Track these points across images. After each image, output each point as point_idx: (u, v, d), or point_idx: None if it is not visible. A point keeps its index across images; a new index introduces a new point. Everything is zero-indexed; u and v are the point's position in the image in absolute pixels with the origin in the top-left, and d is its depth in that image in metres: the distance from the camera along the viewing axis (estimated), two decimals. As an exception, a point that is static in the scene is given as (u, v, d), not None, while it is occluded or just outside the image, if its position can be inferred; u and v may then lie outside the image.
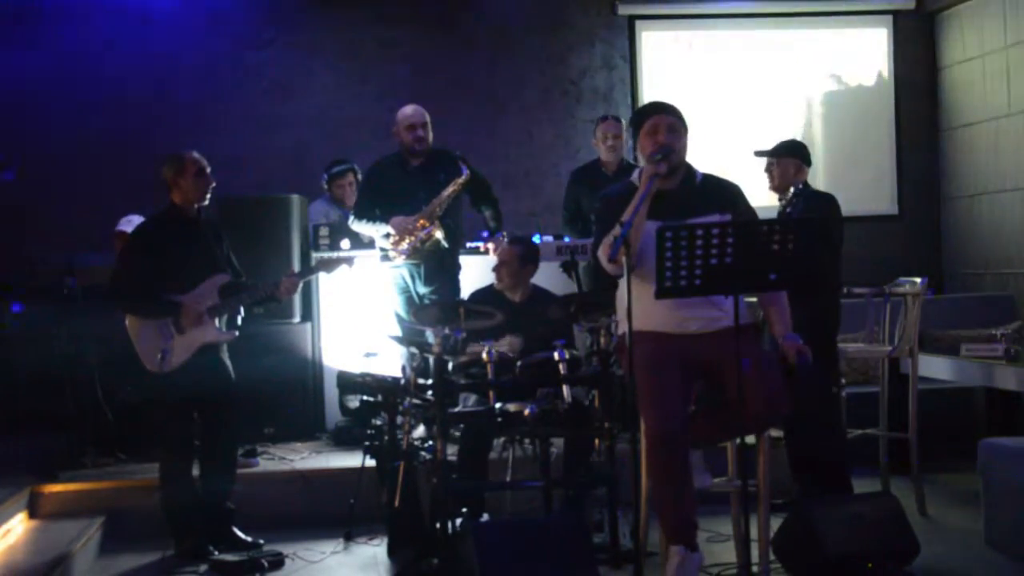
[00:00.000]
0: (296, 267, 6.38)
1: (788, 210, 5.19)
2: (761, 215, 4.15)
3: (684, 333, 3.91)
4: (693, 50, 8.62)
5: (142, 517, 5.06)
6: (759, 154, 5.38)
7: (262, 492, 5.31)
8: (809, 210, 5.09)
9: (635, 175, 4.05)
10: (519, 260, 5.31)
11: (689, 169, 4.07)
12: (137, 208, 6.26)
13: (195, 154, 4.88)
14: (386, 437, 4.87)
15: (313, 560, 4.78)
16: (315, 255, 6.38)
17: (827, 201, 5.25)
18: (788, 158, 5.25)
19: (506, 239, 5.75)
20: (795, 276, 3.70)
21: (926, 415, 5.38)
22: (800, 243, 3.59)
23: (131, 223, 6.31)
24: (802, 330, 4.02)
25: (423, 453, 4.75)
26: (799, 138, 8.30)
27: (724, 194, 4.08)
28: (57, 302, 5.80)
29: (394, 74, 8.06)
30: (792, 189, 5.21)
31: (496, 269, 5.38)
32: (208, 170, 4.87)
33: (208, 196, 4.89)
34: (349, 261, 5.20)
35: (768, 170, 5.34)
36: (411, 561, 4.47)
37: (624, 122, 6.42)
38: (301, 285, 5.23)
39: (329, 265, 5.21)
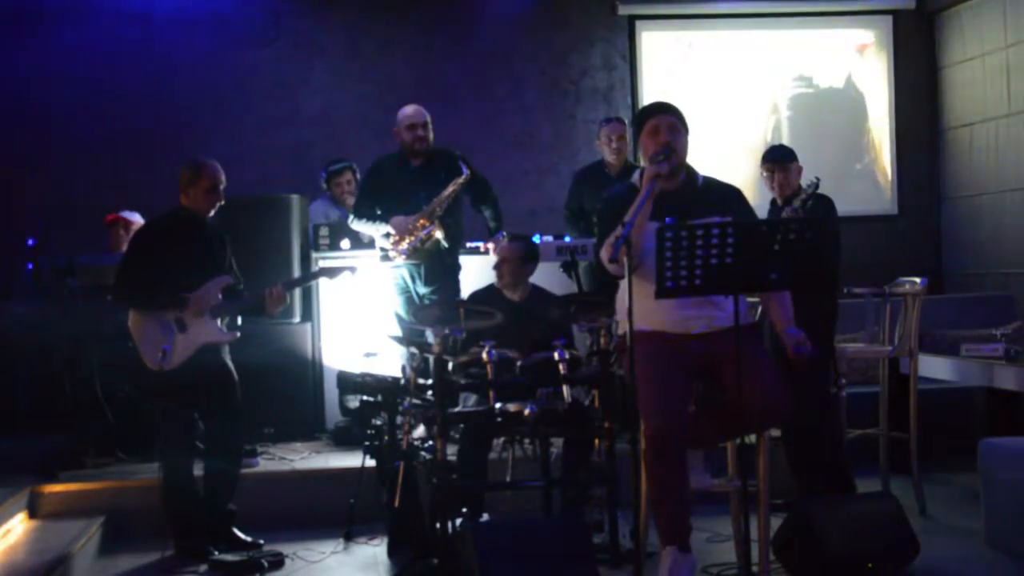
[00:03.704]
0: (296, 268, 6.39)
1: (800, 213, 5.10)
2: (761, 217, 4.15)
3: (686, 333, 3.92)
4: (693, 50, 8.62)
5: (142, 517, 5.06)
6: (766, 164, 5.26)
7: (262, 492, 5.31)
8: (818, 212, 5.05)
9: (636, 176, 4.06)
10: (520, 258, 5.32)
11: (690, 171, 4.08)
12: (136, 208, 6.29)
13: (214, 168, 4.86)
14: (386, 437, 4.87)
15: (313, 560, 4.78)
16: (316, 256, 6.39)
17: (830, 203, 5.23)
18: (793, 163, 5.20)
19: (506, 239, 5.76)
20: (795, 276, 3.70)
21: (926, 415, 5.38)
22: (801, 243, 3.60)
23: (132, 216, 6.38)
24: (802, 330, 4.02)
25: (423, 453, 4.75)
26: (799, 138, 8.39)
27: (725, 196, 4.09)
28: (57, 302, 5.79)
29: (394, 74, 8.07)
30: (803, 193, 5.11)
31: (497, 267, 5.38)
32: (222, 187, 4.86)
33: (213, 212, 4.90)
34: (352, 269, 5.19)
35: (773, 178, 5.22)
36: (411, 561, 4.47)
37: (628, 123, 6.42)
38: (289, 297, 5.21)
39: (332, 272, 5.20)
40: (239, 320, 5.02)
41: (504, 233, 5.96)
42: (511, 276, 5.31)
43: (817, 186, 5.10)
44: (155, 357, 4.70)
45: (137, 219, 6.35)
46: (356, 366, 5.28)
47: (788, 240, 3.59)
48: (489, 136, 8.09)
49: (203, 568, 4.65)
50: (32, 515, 5.22)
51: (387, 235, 5.82)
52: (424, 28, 8.27)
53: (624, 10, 8.48)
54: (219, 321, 4.87)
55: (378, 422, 5.02)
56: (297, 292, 6.25)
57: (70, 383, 5.73)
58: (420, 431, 5.23)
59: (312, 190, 7.09)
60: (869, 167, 8.77)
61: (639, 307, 3.74)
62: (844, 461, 5.10)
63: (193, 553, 4.73)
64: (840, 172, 8.60)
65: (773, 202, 5.27)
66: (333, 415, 6.22)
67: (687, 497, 3.84)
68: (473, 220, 6.23)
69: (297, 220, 6.50)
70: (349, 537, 5.03)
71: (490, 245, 6.04)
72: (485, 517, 4.68)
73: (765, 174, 5.25)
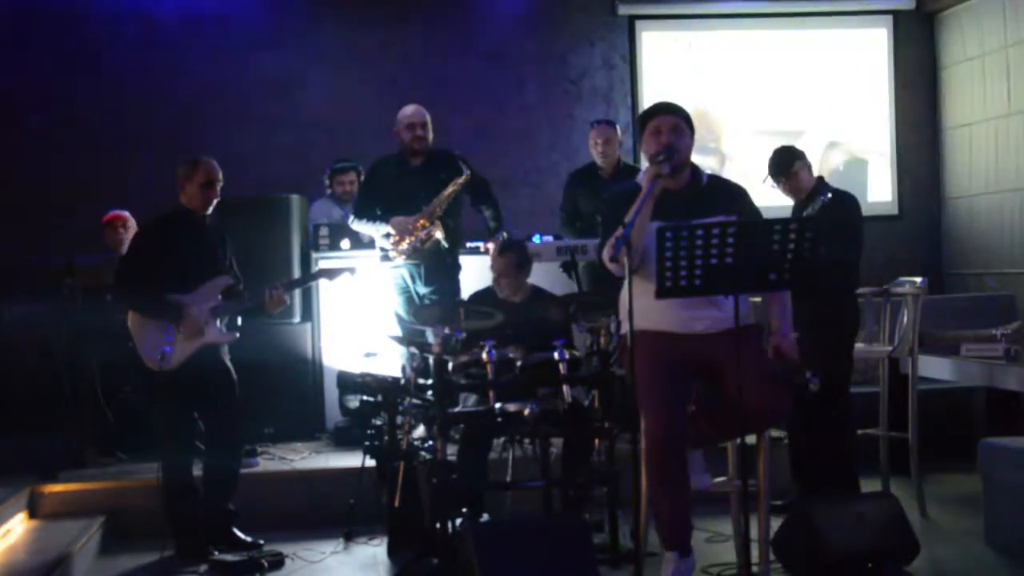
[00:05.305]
0: (296, 268, 6.39)
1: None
2: (767, 215, 4.14)
3: (689, 333, 3.91)
4: (693, 50, 8.62)
5: (142, 517, 5.06)
6: (772, 177, 5.17)
7: (262, 492, 5.31)
8: (843, 211, 5.01)
9: (640, 176, 4.05)
10: (514, 267, 5.26)
11: (695, 170, 4.07)
12: (137, 208, 6.28)
13: (210, 164, 4.85)
14: (386, 437, 4.87)
15: (313, 560, 4.78)
16: (316, 256, 6.39)
17: (852, 201, 5.15)
18: (795, 165, 5.14)
19: (506, 237, 5.75)
20: (795, 276, 3.69)
21: (926, 415, 5.38)
22: (801, 243, 3.59)
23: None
24: (812, 329, 3.99)
25: (423, 453, 4.75)
26: (798, 138, 8.38)
27: (730, 195, 4.08)
28: (57, 302, 5.79)
29: (394, 74, 8.06)
30: (823, 197, 4.99)
31: (496, 280, 5.33)
32: (218, 184, 4.85)
33: (210, 208, 4.89)
34: (352, 270, 5.19)
35: (785, 187, 5.16)
36: (411, 561, 4.47)
37: (617, 126, 6.43)
38: (289, 298, 5.21)
39: (331, 273, 5.20)
40: (239, 320, 5.01)
41: (504, 233, 5.96)
42: (510, 287, 5.27)
43: (826, 190, 5.06)
44: (154, 357, 4.70)
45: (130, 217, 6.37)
46: (356, 366, 5.28)
47: (788, 240, 3.59)
48: (489, 136, 8.09)
49: (203, 568, 4.66)
50: (32, 515, 5.22)
51: (387, 235, 5.81)
52: (424, 28, 8.26)
53: (624, 10, 8.48)
54: (218, 321, 4.86)
55: (378, 422, 5.03)
56: (297, 292, 6.25)
57: (70, 383, 5.73)
58: (420, 431, 5.23)
59: (312, 190, 7.09)
60: (868, 167, 8.77)
61: (641, 307, 3.73)
62: (854, 462, 5.09)
63: (193, 553, 4.73)
64: (840, 172, 8.61)
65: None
66: (333, 415, 6.23)
67: (687, 497, 3.84)
68: (473, 220, 6.22)
69: (297, 220, 6.51)
70: (349, 537, 5.03)
71: (490, 245, 6.03)
72: (485, 517, 4.68)
73: (773, 185, 5.21)
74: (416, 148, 5.88)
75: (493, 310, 4.73)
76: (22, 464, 5.56)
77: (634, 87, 8.50)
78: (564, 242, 6.24)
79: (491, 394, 4.47)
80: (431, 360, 4.53)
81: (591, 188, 6.22)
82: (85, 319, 5.70)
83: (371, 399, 4.95)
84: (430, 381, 4.67)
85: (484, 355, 4.47)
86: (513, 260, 5.25)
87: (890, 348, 5.45)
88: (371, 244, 6.07)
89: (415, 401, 4.81)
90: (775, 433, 5.01)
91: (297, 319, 6.41)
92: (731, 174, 7.71)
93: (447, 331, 4.49)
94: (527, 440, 4.78)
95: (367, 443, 5.00)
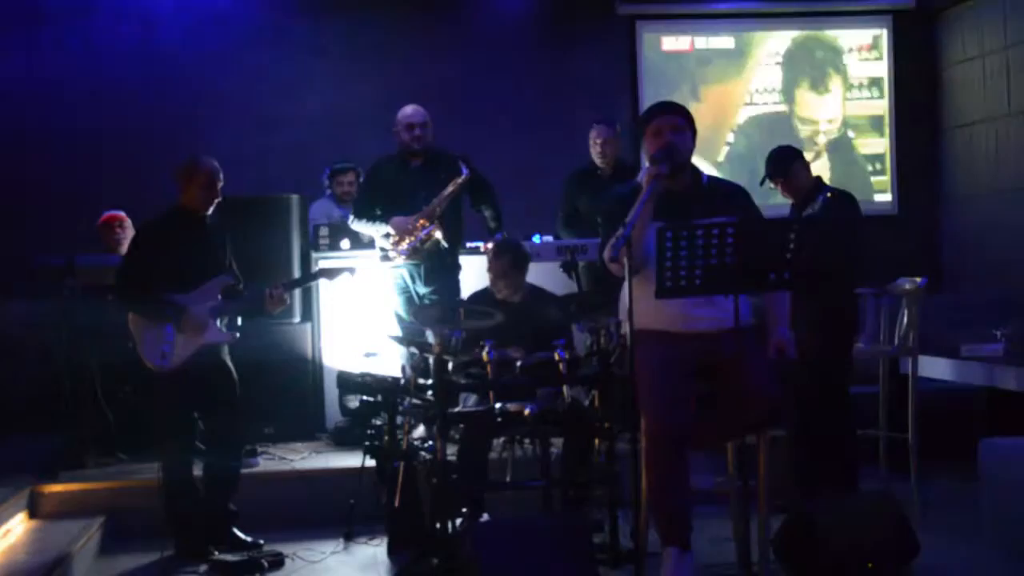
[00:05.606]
0: (296, 268, 6.39)
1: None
2: (767, 215, 4.15)
3: (691, 332, 3.91)
4: (693, 50, 8.62)
5: (142, 517, 5.05)
6: (769, 178, 5.17)
7: (262, 492, 5.31)
8: (843, 210, 5.00)
9: (641, 175, 4.06)
10: (511, 269, 5.25)
11: (695, 170, 4.07)
12: (136, 208, 6.28)
13: (210, 165, 4.84)
14: (386, 437, 4.87)
15: (313, 560, 4.78)
16: (316, 256, 6.39)
17: (851, 200, 5.15)
18: (792, 166, 5.15)
19: (506, 236, 5.74)
20: (795, 276, 3.69)
21: (926, 415, 5.38)
22: (801, 242, 3.60)
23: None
24: (812, 329, 3.98)
25: (423, 453, 4.75)
26: (798, 139, 8.40)
27: (731, 196, 4.09)
28: (57, 302, 5.79)
29: (394, 74, 8.06)
30: (822, 196, 4.98)
31: (493, 283, 5.33)
32: (219, 184, 4.85)
33: (211, 208, 4.89)
34: (351, 270, 5.19)
35: (783, 187, 5.17)
36: (411, 561, 4.47)
37: (617, 126, 6.42)
38: (289, 297, 5.20)
39: (331, 273, 5.20)
40: (239, 320, 5.01)
41: (504, 233, 5.96)
42: (508, 288, 5.26)
43: (825, 190, 5.05)
44: (155, 357, 4.70)
45: (126, 218, 6.36)
46: (356, 366, 5.28)
47: (788, 240, 3.59)
48: (488, 136, 8.07)
49: (203, 568, 4.66)
50: (32, 515, 5.22)
51: (387, 235, 5.82)
52: (424, 28, 8.26)
53: (624, 10, 8.48)
54: (219, 321, 4.86)
55: (378, 422, 5.02)
56: (297, 292, 6.26)
57: (70, 383, 5.72)
58: (420, 431, 5.23)
59: (312, 190, 7.09)
60: (869, 167, 8.78)
61: (643, 306, 3.73)
62: (856, 461, 5.08)
63: (193, 553, 4.74)
64: (840, 172, 8.62)
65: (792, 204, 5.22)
66: (333, 415, 6.23)
67: (688, 495, 3.84)
68: (473, 220, 6.22)
69: (297, 220, 6.50)
70: (349, 537, 5.03)
71: (490, 245, 6.03)
72: (485, 517, 4.68)
73: (772, 186, 5.21)
74: (416, 148, 5.88)
75: (493, 310, 4.73)
76: (22, 464, 5.57)
77: (634, 87, 8.50)
78: (564, 242, 6.24)
79: (491, 394, 4.47)
80: (431, 360, 4.53)
81: (591, 188, 6.21)
82: (85, 319, 5.69)
83: (371, 399, 4.95)
84: (430, 381, 4.67)
85: (484, 355, 4.47)
86: (509, 261, 5.25)
87: (890, 348, 5.45)
88: (371, 244, 6.07)
89: (415, 401, 4.81)
90: (775, 433, 5.01)
91: (297, 319, 6.41)
92: (729, 174, 7.71)
93: (447, 331, 4.49)
94: (527, 440, 4.78)
95: (367, 443, 5.00)
